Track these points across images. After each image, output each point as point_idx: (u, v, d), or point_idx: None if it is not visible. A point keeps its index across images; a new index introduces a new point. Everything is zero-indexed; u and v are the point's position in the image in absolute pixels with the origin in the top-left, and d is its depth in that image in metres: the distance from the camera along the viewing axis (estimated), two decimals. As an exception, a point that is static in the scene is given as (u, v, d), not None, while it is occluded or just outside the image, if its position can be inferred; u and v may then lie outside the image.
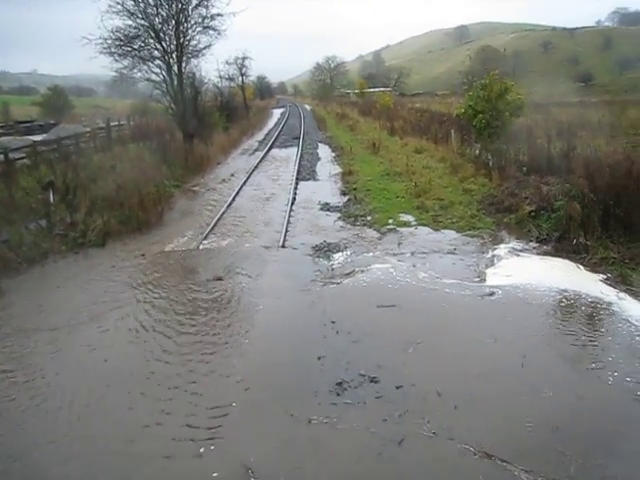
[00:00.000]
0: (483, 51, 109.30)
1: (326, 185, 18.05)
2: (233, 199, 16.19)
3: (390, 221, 12.68)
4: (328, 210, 14.34)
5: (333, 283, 8.95)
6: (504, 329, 7.24)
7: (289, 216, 13.67)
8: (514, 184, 13.75)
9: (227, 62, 55.32)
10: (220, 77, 46.94)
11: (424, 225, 12.24)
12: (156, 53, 22.92)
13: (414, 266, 9.57)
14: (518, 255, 10.07)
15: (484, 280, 8.89)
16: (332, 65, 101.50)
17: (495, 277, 9.00)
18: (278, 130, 38.90)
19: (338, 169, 20.81)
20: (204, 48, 24.34)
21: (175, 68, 23.44)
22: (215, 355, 6.85)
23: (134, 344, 7.31)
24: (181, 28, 23.07)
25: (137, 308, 8.38)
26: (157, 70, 23.05)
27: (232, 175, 20.78)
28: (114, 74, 22.81)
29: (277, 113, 62.45)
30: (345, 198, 15.69)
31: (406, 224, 12.37)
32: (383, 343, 6.93)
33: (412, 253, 10.31)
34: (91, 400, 6.05)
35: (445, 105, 52.28)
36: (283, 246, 11.18)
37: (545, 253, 10.12)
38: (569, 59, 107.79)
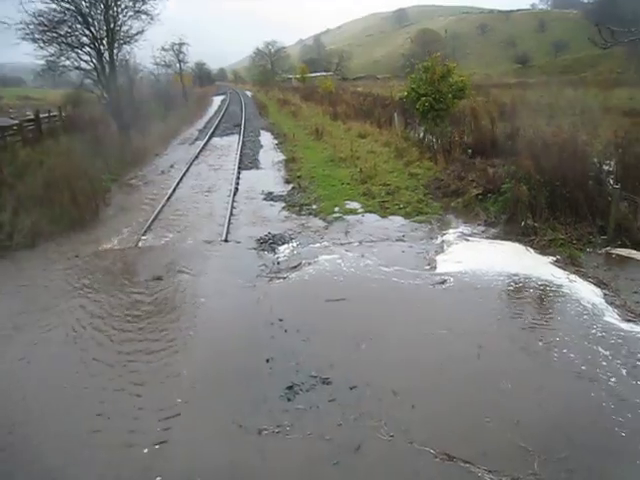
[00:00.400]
0: (423, 34, 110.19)
1: (269, 173, 17.57)
2: (173, 191, 15.54)
3: (336, 209, 12.35)
4: (272, 200, 13.90)
5: (279, 278, 8.56)
6: (458, 318, 7.01)
7: (232, 208, 13.16)
8: (460, 167, 13.62)
9: (163, 48, 54.05)
10: (156, 64, 45.61)
11: (371, 212, 11.95)
12: (85, 39, 21.84)
13: (362, 256, 9.27)
14: (467, 240, 9.89)
15: (435, 268, 8.66)
16: (272, 50, 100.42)
17: (446, 264, 8.79)
18: (219, 118, 37.99)
19: (281, 156, 20.35)
20: (137, 34, 23.40)
21: (106, 55, 22.46)
22: (155, 364, 6.38)
23: (68, 354, 6.75)
24: (111, 12, 22.05)
25: (71, 315, 7.78)
26: (87, 58, 21.99)
27: (172, 166, 20.03)
28: (41, 62, 21.56)
29: (217, 100, 61.13)
30: (289, 187, 15.27)
31: (353, 212, 12.06)
32: (334, 340, 6.59)
33: (360, 242, 10.01)
34: (28, 417, 5.51)
35: (387, 88, 52.36)
36: (226, 240, 10.70)
37: (494, 237, 9.99)
38: (506, 41, 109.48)
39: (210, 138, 27.50)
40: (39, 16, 20.65)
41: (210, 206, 13.71)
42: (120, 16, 22.51)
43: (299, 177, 16.09)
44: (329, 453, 4.83)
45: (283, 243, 10.22)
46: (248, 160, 20.09)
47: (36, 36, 20.64)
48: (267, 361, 6.21)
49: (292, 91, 59.82)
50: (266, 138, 26.21)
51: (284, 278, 8.52)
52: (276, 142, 24.45)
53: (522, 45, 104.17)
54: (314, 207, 12.70)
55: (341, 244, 9.93)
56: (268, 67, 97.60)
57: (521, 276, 8.22)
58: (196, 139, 27.73)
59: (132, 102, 27.80)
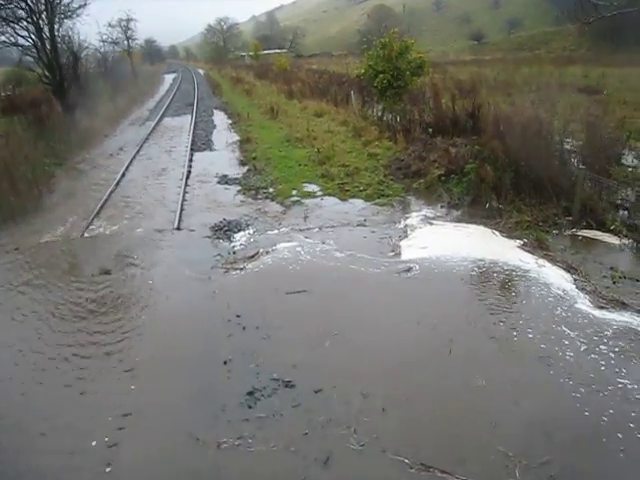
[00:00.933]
0: (379, 10, 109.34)
1: (223, 155, 16.92)
2: (122, 176, 14.79)
3: (294, 192, 11.86)
4: (226, 183, 13.30)
5: (236, 269, 8.05)
6: (426, 310, 6.65)
7: (184, 192, 12.53)
8: (421, 147, 13.26)
9: (110, 24, 52.14)
10: (103, 41, 43.89)
11: (330, 195, 11.51)
12: (21, 13, 20.56)
13: (323, 242, 8.83)
14: (431, 224, 9.55)
15: (399, 254, 8.29)
16: (224, 27, 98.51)
17: (410, 250, 8.42)
18: (170, 97, 36.83)
19: (235, 137, 19.68)
20: (78, 8, 22.21)
21: (46, 31, 21.24)
22: (100, 370, 5.82)
23: (3, 359, 6.15)
24: (49, -18, 20.80)
25: (7, 317, 7.13)
26: (25, 33, 20.72)
27: (121, 149, 19.16)
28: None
29: (169, 79, 59.43)
30: (244, 169, 14.68)
31: (311, 195, 11.60)
32: (296, 337, 6.15)
33: (320, 228, 9.57)
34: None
35: (343, 66, 51.77)
36: (179, 228, 10.11)
37: (458, 220, 9.67)
38: (461, 18, 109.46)
39: (161, 118, 26.55)
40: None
41: (162, 191, 13.04)
42: (59, -13, 21.27)
43: (254, 158, 15.51)
44: (296, 467, 4.42)
45: (239, 230, 9.70)
46: (201, 141, 19.37)
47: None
48: (225, 363, 5.73)
49: (245, 69, 58.66)
50: (220, 118, 25.42)
51: (241, 269, 8.02)
52: (230, 122, 23.70)
53: (477, 22, 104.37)
54: (271, 190, 12.19)
55: (300, 230, 9.47)
56: (220, 44, 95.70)
57: (488, 261, 7.92)
58: (147, 119, 26.73)
59: (77, 81, 26.60)
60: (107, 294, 7.51)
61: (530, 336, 6.04)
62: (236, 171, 14.44)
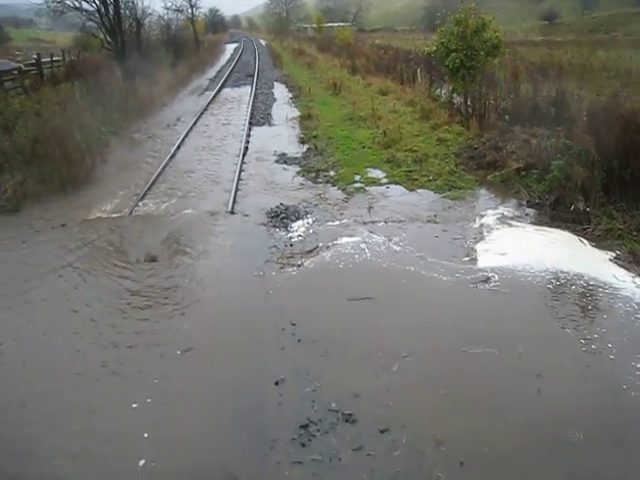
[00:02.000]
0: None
1: (282, 131, 16.14)
2: (177, 148, 14.21)
3: (357, 178, 11.00)
4: (285, 163, 12.53)
5: (292, 265, 7.27)
6: (509, 333, 5.74)
7: (240, 171, 11.83)
8: (497, 135, 12.15)
9: (175, -9, 51.51)
10: (166, 8, 43.45)
11: (397, 183, 10.58)
12: (87, -24, 20.13)
13: (389, 240, 7.96)
14: (510, 225, 8.54)
15: (475, 260, 7.35)
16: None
17: (487, 255, 7.47)
18: (231, 67, 36.22)
19: (296, 112, 18.85)
20: (143, -28, 21.54)
21: (111, -5, 20.74)
22: (131, 384, 5.16)
23: (35, 358, 5.58)
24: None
25: (41, 307, 6.58)
26: (88, -2, 20.29)
27: (178, 119, 18.60)
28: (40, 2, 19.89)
29: (230, 48, 58.96)
30: (304, 147, 13.88)
31: (376, 182, 10.70)
32: (359, 357, 5.35)
33: (385, 221, 8.69)
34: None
35: (408, 42, 50.06)
36: (232, 212, 9.39)
37: (540, 222, 8.61)
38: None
39: (221, 89, 25.95)
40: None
41: (217, 167, 12.38)
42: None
43: (315, 137, 14.68)
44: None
45: (297, 218, 8.92)
46: (260, 115, 18.63)
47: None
48: (276, 384, 4.98)
49: (308, 41, 57.58)
50: (280, 91, 24.62)
51: (298, 266, 7.23)
52: (290, 96, 22.89)
53: (548, 0, 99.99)
54: (332, 174, 11.35)
55: (364, 223, 8.62)
56: (283, 15, 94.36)
57: (576, 275, 6.90)
58: (206, 89, 26.17)
59: (139, 48, 26.20)
60: (150, 286, 6.85)
61: (630, 377, 5.07)
62: (295, 150, 13.65)
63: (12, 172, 11.01)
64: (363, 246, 7.72)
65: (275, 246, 7.86)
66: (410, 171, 11.14)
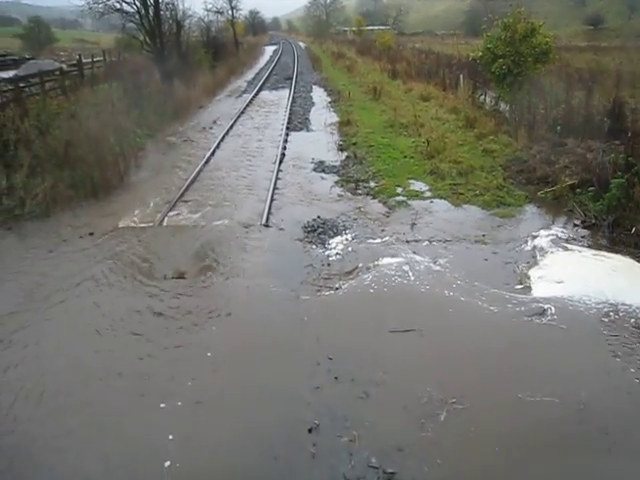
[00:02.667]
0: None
1: (321, 137, 15.64)
2: (212, 153, 13.83)
3: (399, 190, 10.42)
4: (323, 171, 12.03)
5: (329, 288, 6.73)
6: (570, 378, 5.10)
7: (276, 178, 11.37)
8: (547, 148, 11.42)
9: (216, -6, 51.61)
10: (207, 10, 43.41)
11: (441, 198, 9.97)
12: (128, -22, 19.95)
13: (434, 262, 7.37)
14: (565, 248, 7.86)
15: (529, 288, 6.71)
16: (328, 1, 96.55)
17: (542, 283, 6.82)
18: (269, 69, 35.95)
19: (334, 117, 18.34)
20: (184, -26, 21.31)
21: (151, -4, 20.54)
22: (145, 422, 4.69)
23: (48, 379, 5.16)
24: (157, -52, 20.06)
25: (60, 324, 6.18)
26: (129, -1, 20.10)
27: (214, 122, 18.28)
28: (78, 3, 19.77)
29: (269, 50, 58.89)
30: (343, 155, 13.36)
31: (419, 195, 10.11)
32: (402, 401, 4.78)
33: (430, 240, 8.10)
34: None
35: (448, 46, 49.22)
36: (267, 224, 8.91)
37: (599, 246, 7.92)
38: (575, 0, 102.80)
39: (259, 91, 25.64)
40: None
41: (252, 175, 11.95)
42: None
43: (354, 144, 14.14)
44: None
45: (335, 234, 8.38)
46: (298, 119, 18.18)
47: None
48: (309, 431, 4.45)
49: (347, 44, 57.02)
50: (318, 95, 24.15)
51: (336, 289, 6.69)
52: (329, 100, 22.38)
53: (593, 5, 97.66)
54: (372, 185, 10.80)
55: (407, 242, 8.04)
56: (323, 18, 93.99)
57: (644, 310, 6.23)
58: (244, 92, 25.89)
59: (178, 49, 26.02)
60: (175, 307, 6.38)
61: None
62: (334, 157, 13.14)
63: (44, 176, 10.72)
64: (406, 268, 7.15)
65: (311, 265, 7.34)
66: (455, 184, 10.53)
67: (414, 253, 7.61)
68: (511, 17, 16.27)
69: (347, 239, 8.18)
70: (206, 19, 40.10)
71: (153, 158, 13.78)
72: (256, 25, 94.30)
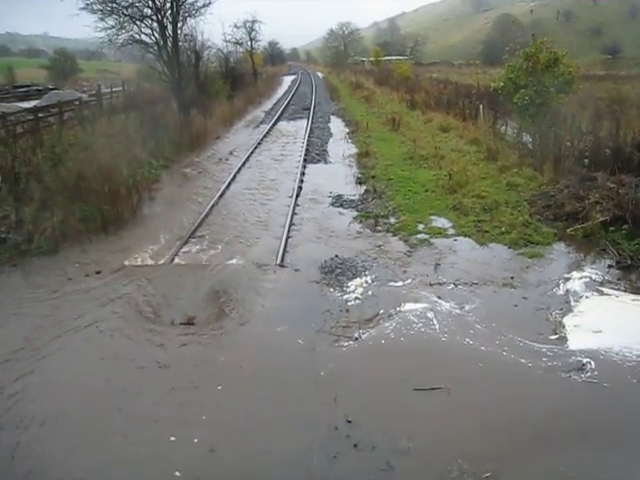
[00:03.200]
0: (503, 19, 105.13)
1: (339, 170, 15.29)
2: (227, 186, 13.51)
3: (420, 227, 9.96)
4: (341, 206, 11.63)
5: (348, 338, 6.23)
6: (616, 447, 4.55)
7: (292, 214, 10.98)
8: (576, 182, 10.92)
9: (236, 25, 52.31)
10: (226, 41, 43.76)
11: (465, 236, 9.47)
12: (147, 11, 20.01)
13: (461, 308, 6.87)
14: (601, 292, 7.31)
15: (564, 339, 6.17)
16: (346, 32, 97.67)
17: (579, 333, 6.28)
18: (287, 99, 35.95)
19: (353, 149, 18.02)
20: (203, 6, 21.43)
21: (170, 28, 20.54)
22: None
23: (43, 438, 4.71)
24: (177, -19, 20.12)
25: (57, 378, 5.75)
26: (148, 31, 20.13)
27: (231, 153, 18.05)
28: (100, 35, 19.80)
29: (288, 80, 59.17)
30: (362, 189, 12.97)
31: (442, 233, 9.62)
32: (430, 475, 4.27)
33: (455, 284, 7.59)
34: None
35: (465, 76, 49.09)
36: (282, 264, 8.47)
37: (637, 290, 7.37)
38: (592, 29, 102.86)
39: (276, 122, 25.50)
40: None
41: (267, 209, 11.58)
42: (187, -15, 20.57)
43: (373, 177, 13.75)
44: None
45: (354, 275, 7.91)
46: (315, 151, 17.88)
47: (95, 7, 18.92)
48: (326, 515, 3.95)
49: (365, 74, 57.22)
50: (336, 125, 23.92)
51: (355, 340, 6.20)
52: (347, 131, 22.11)
53: (610, 34, 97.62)
54: (392, 221, 10.36)
55: (430, 285, 7.54)
56: (341, 49, 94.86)
57: (695, 363, 5.66)
58: (262, 122, 25.76)
59: (197, 80, 26.06)
60: (181, 358, 5.92)
61: None
62: (352, 191, 12.74)
63: (55, 209, 10.43)
64: (430, 316, 6.65)
65: (329, 311, 6.86)
66: (479, 221, 10.03)
67: (439, 298, 7.11)
68: (533, 47, 15.92)
69: (367, 281, 7.71)
70: (225, 50, 40.37)
71: (167, 190, 13.51)
72: (275, 55, 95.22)
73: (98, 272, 8.37)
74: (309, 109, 29.37)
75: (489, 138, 16.83)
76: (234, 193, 13.02)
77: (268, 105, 33.79)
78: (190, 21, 22.01)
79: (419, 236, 9.48)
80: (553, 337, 6.19)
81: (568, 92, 16.22)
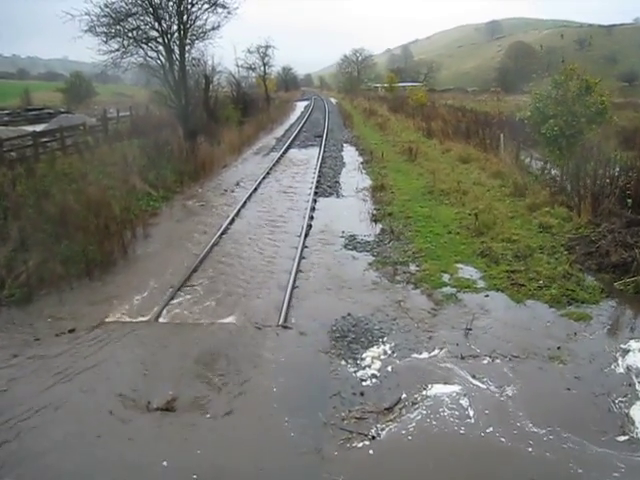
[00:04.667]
0: (516, 47, 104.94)
1: (352, 204, 14.10)
2: (231, 222, 12.36)
3: (445, 278, 8.71)
4: (354, 248, 10.41)
5: (363, 437, 4.92)
6: None
7: (300, 258, 9.78)
8: (621, 226, 9.67)
9: (249, 50, 51.75)
10: (238, 66, 43.05)
11: (498, 290, 8.19)
12: (153, 33, 19.06)
13: (501, 392, 5.58)
14: (671, 369, 6.03)
15: (632, 435, 4.89)
16: (359, 58, 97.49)
17: (654, 432, 5.00)
18: (300, 126, 34.99)
19: (367, 181, 16.87)
20: (211, 29, 20.46)
21: (176, 52, 19.59)
22: None
23: None
24: (184, 4, 19.18)
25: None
26: (154, 54, 19.18)
27: (237, 184, 16.95)
28: (103, 58, 18.87)
29: (301, 106, 58.46)
30: (377, 228, 11.77)
31: (470, 287, 8.34)
32: None
33: (491, 356, 6.31)
34: None
35: (480, 103, 48.29)
36: (285, 326, 7.23)
37: None
38: (606, 57, 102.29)
39: (287, 149, 24.47)
40: (106, 7, 18.06)
41: (273, 252, 10.39)
42: (194, 9, 19.66)
43: (390, 215, 12.55)
44: None
45: (370, 343, 6.63)
46: (327, 182, 16.72)
47: (99, 30, 18.00)
48: None
49: (379, 101, 56.43)
50: (350, 154, 22.78)
51: (372, 438, 4.92)
52: (361, 160, 20.95)
53: (624, 62, 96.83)
54: (413, 270, 9.12)
55: (461, 358, 6.26)
56: (354, 74, 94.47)
57: None
58: (272, 149, 24.74)
59: (206, 105, 25.17)
60: (155, 461, 4.66)
61: None
62: (367, 231, 11.53)
63: (34, 249, 9.32)
64: (465, 403, 5.37)
65: (339, 394, 5.58)
66: (513, 271, 8.76)
67: (473, 377, 5.83)
68: (563, 74, 14.81)
69: (385, 351, 6.44)
70: (237, 75, 39.59)
71: (165, 226, 12.41)
72: (288, 81, 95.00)
73: (71, 330, 7.18)
74: (321, 136, 28.32)
75: (514, 171, 15.59)
76: (237, 231, 11.86)
77: (280, 132, 32.81)
78: (198, 45, 21.07)
79: (445, 290, 8.23)
80: (622, 439, 4.89)
81: (601, 122, 15.08)
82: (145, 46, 18.83)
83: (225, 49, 28.21)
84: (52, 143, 19.22)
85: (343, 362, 6.23)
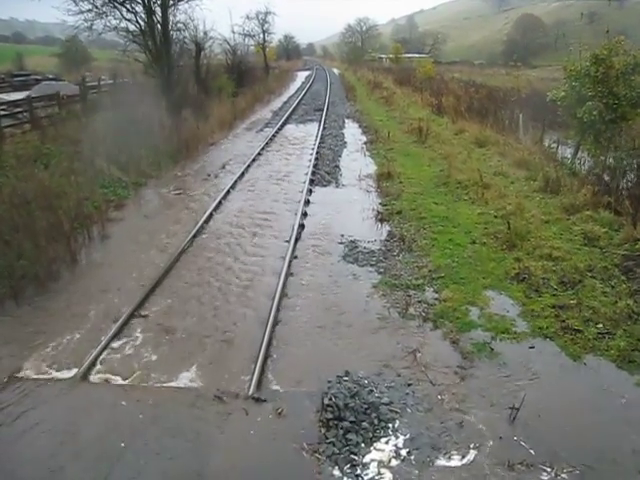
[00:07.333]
0: (525, 19, 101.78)
1: (353, 197, 12.01)
2: (207, 220, 10.31)
3: (474, 313, 6.66)
4: (356, 261, 8.37)
5: None
6: None
7: (286, 275, 7.76)
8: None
9: (247, 17, 49.06)
10: (234, 32, 40.39)
11: (545, 337, 6.12)
12: (130, -8, 16.72)
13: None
14: None
15: None
16: (364, 27, 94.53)
17: None
18: (299, 97, 32.62)
19: (371, 166, 14.76)
20: (197, -11, 18.08)
21: (158, 13, 17.25)
22: None
23: None
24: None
25: None
26: (131, 16, 16.85)
27: (223, 167, 14.89)
28: (73, 19, 16.58)
29: (302, 76, 55.80)
30: (383, 231, 9.73)
31: (509, 330, 6.26)
32: None
33: (552, 465, 4.28)
34: None
35: (489, 77, 45.86)
36: (257, 397, 5.16)
37: None
38: (617, 32, 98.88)
39: (284, 125, 22.30)
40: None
41: (254, 264, 8.36)
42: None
43: (399, 213, 10.51)
44: None
45: (375, 433, 4.56)
46: (325, 168, 14.59)
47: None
48: None
49: (383, 72, 53.74)
50: (352, 132, 20.54)
51: None
52: (364, 140, 18.73)
53: (636, 36, 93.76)
54: (430, 298, 7.07)
55: (511, 467, 4.24)
56: (358, 45, 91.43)
57: None
58: (266, 124, 22.54)
59: (197, 75, 22.91)
60: None
61: None
62: (371, 235, 9.49)
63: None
64: None
65: None
66: (561, 307, 6.68)
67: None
68: (606, 48, 12.56)
69: (397, 450, 4.41)
70: (232, 41, 36.97)
71: (129, 224, 10.38)
72: (290, 50, 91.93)
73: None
74: (322, 110, 26.02)
75: (542, 161, 13.39)
76: (213, 231, 9.83)
77: (277, 104, 30.47)
78: (184, 6, 18.67)
79: (474, 334, 6.18)
80: None
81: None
82: (120, 6, 16.45)
83: (219, 14, 25.76)
84: (24, 115, 17.06)
85: (337, 472, 4.21)
